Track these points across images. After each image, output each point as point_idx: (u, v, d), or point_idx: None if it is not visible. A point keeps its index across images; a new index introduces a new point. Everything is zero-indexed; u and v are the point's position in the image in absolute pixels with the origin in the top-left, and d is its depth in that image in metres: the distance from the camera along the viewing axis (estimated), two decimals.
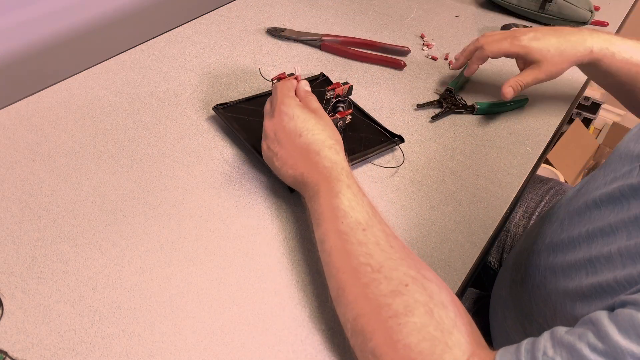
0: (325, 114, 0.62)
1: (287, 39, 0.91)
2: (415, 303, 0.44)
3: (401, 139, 0.71)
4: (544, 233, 0.64)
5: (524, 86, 0.75)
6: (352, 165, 0.68)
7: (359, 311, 0.47)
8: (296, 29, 0.94)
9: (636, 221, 0.47)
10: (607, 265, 0.48)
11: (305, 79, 0.79)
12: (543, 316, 0.57)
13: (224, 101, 0.74)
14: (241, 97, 0.76)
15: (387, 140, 0.71)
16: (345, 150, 0.68)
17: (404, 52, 0.92)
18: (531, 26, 1.01)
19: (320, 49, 0.91)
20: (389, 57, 0.89)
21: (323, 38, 0.90)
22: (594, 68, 0.74)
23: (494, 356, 0.41)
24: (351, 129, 0.70)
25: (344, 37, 0.92)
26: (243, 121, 0.71)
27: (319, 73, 0.82)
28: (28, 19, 0.88)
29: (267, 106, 0.65)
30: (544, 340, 0.39)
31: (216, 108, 0.72)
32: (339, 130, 0.67)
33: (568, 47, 0.72)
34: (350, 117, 0.69)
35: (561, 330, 0.40)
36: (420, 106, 0.79)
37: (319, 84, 0.80)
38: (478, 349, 0.43)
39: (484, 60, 0.79)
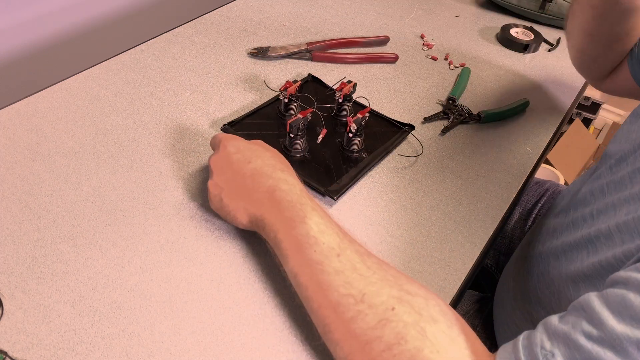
0: (270, 147, 0.59)
1: (275, 58, 0.87)
2: (406, 327, 0.42)
3: (412, 127, 0.75)
4: (548, 223, 0.63)
5: None
6: (378, 160, 0.70)
7: (350, 349, 0.44)
8: (296, 29, 0.94)
9: (637, 196, 0.46)
10: (607, 243, 0.47)
11: (294, 81, 0.76)
12: (549, 303, 0.57)
13: (224, 105, 0.74)
14: (246, 110, 0.75)
15: (399, 130, 0.74)
16: (366, 148, 0.70)
17: (384, 41, 0.94)
18: (531, 27, 1.01)
19: (312, 60, 0.88)
20: (381, 55, 0.90)
21: (309, 47, 0.88)
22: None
23: (493, 359, 0.40)
24: (365, 126, 0.70)
25: (328, 40, 0.91)
26: (255, 137, 0.68)
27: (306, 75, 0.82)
28: (28, 19, 0.88)
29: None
30: (539, 333, 0.38)
31: (225, 128, 0.71)
32: (359, 130, 0.67)
33: None
34: (368, 114, 0.68)
35: (554, 319, 0.39)
36: (427, 119, 0.78)
37: (310, 84, 0.81)
38: (478, 358, 0.41)
39: None
